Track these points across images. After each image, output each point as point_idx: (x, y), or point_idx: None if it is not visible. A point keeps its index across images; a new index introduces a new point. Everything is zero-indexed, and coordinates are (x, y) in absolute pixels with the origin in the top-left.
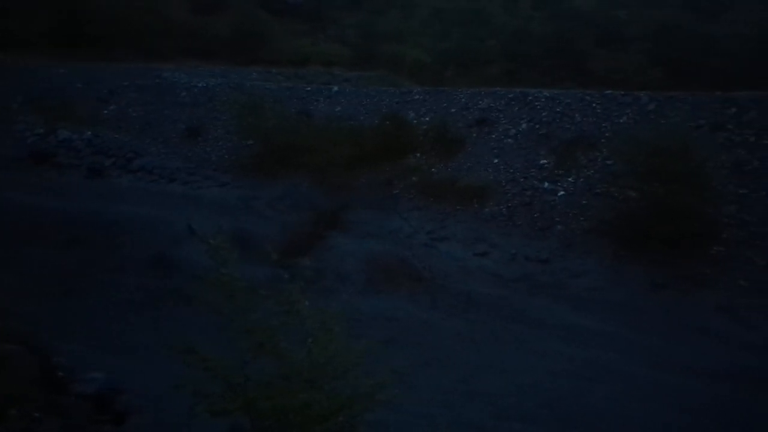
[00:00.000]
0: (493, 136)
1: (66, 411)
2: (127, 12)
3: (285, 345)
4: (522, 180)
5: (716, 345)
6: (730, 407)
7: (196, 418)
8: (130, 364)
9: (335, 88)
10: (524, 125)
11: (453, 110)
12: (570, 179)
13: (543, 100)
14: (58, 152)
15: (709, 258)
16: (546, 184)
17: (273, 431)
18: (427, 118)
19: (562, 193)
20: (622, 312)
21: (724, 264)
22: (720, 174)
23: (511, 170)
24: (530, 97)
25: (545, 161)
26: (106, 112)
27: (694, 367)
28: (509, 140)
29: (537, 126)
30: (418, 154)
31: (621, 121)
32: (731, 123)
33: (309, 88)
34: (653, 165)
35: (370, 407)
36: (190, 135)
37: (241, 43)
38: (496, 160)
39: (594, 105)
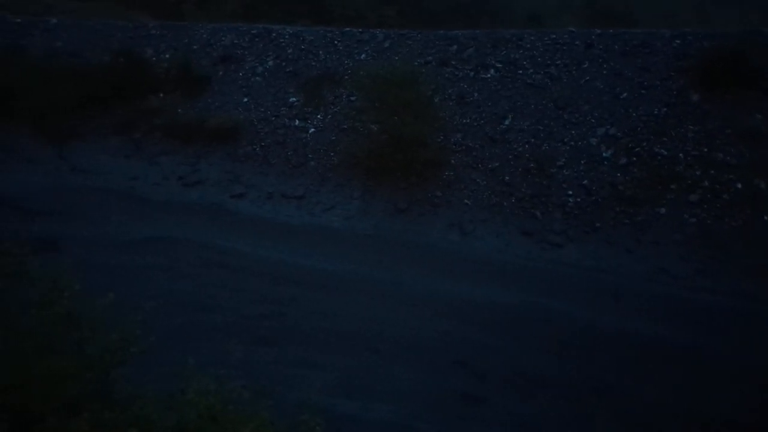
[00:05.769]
0: (241, 74)
1: None
2: None
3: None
4: (274, 119)
5: (443, 257)
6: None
7: None
8: None
9: (54, 21)
10: (271, 63)
11: (195, 47)
12: (319, 116)
13: (287, 36)
14: None
15: (442, 182)
16: (297, 122)
17: (14, 407)
18: (168, 55)
19: (312, 130)
20: (370, 238)
21: (454, 186)
22: (447, 106)
23: (262, 109)
24: (274, 34)
25: (294, 99)
26: None
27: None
28: (257, 78)
29: (284, 63)
30: (161, 95)
31: (361, 57)
32: (454, 59)
33: (19, 20)
34: (389, 99)
35: (122, 361)
36: None
37: None
38: (245, 99)
39: (336, 42)
